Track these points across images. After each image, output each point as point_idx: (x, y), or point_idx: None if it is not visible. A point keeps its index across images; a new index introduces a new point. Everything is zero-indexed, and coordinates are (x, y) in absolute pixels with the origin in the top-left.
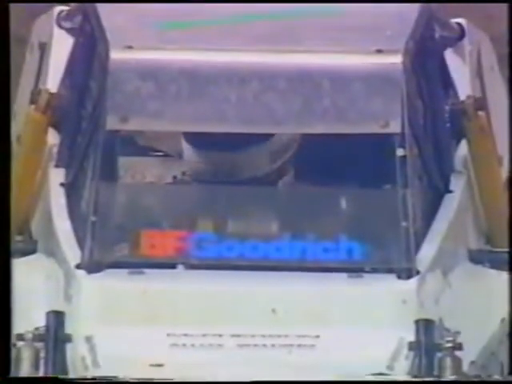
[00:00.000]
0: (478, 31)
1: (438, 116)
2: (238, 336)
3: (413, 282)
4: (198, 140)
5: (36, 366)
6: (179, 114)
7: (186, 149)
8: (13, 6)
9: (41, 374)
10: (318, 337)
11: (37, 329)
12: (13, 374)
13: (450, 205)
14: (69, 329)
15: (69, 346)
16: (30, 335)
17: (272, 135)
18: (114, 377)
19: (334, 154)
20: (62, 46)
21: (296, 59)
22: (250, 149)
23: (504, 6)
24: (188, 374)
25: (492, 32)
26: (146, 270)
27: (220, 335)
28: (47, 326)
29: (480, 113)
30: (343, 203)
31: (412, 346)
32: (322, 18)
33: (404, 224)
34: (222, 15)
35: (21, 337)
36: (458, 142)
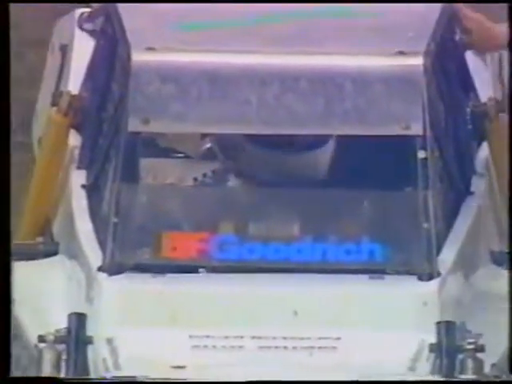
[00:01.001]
0: None
1: (459, 118)
2: (260, 338)
3: (434, 283)
4: (261, 139)
5: (57, 368)
6: (201, 115)
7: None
8: (33, 8)
9: (62, 375)
10: (339, 339)
11: (58, 331)
12: (34, 375)
13: (472, 206)
14: (90, 331)
15: (90, 348)
16: (51, 337)
17: (330, 137)
18: (115, 377)
19: (355, 156)
20: (83, 47)
21: (317, 61)
22: (314, 150)
23: (504, 6)
24: (209, 375)
25: None
26: (169, 273)
27: (241, 337)
28: (69, 328)
29: (502, 115)
30: (365, 205)
31: (433, 348)
32: (344, 19)
33: (425, 226)
34: (245, 16)
35: (42, 338)
36: (480, 143)
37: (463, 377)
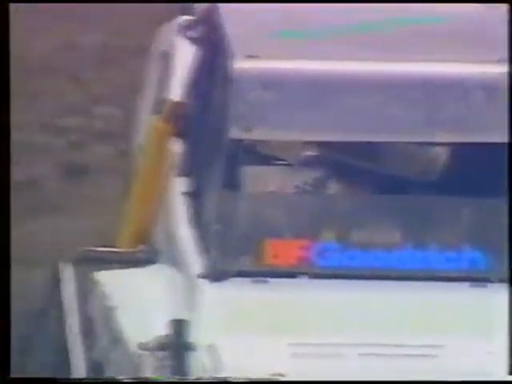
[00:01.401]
0: None
1: None
2: (360, 346)
3: None
4: None
5: (158, 374)
6: (303, 123)
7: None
8: (135, 16)
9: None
10: (440, 346)
11: (159, 337)
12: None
13: None
14: (191, 337)
15: (191, 355)
16: (152, 344)
17: None
18: (112, 377)
19: (456, 163)
20: (185, 55)
21: (419, 68)
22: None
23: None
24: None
25: None
26: (269, 279)
27: (342, 345)
28: (170, 335)
29: None
30: (465, 212)
31: None
32: (445, 26)
33: None
34: (347, 23)
35: (144, 345)
36: None
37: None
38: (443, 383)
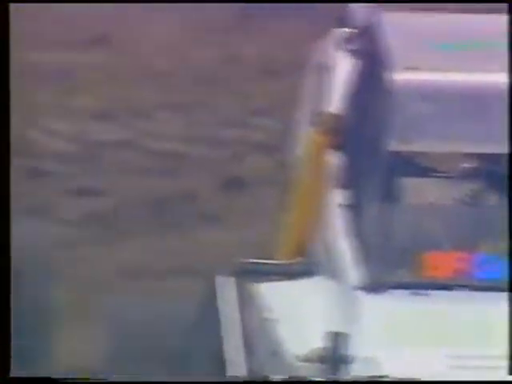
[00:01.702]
0: None
1: None
2: None
3: None
4: None
5: None
6: (461, 135)
7: None
8: (290, 30)
9: None
10: None
11: (317, 350)
12: None
13: None
14: (350, 349)
15: (350, 367)
16: (310, 356)
17: None
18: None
19: None
20: (343, 67)
21: None
22: None
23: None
24: None
25: None
26: (428, 292)
27: (501, 358)
28: (328, 347)
29: None
30: None
31: None
32: None
33: None
34: (500, 36)
35: (302, 357)
36: None
37: None
38: (446, 383)
